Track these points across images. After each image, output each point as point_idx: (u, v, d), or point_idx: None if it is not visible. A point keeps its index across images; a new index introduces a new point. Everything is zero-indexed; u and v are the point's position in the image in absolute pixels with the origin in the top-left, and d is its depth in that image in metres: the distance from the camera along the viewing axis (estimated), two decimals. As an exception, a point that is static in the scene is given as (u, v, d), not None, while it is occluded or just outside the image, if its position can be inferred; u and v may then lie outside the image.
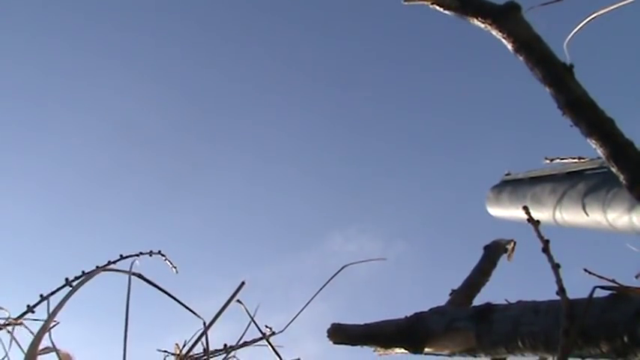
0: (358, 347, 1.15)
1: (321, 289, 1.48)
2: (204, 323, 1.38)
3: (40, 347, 1.19)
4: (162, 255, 1.70)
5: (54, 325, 1.31)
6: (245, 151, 9.31)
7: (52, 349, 1.29)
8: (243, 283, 1.44)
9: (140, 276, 1.40)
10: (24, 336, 1.36)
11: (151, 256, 1.65)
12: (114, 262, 1.52)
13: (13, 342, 1.35)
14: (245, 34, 8.59)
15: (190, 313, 1.40)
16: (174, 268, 1.75)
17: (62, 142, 8.58)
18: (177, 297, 1.42)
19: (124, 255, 1.55)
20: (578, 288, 0.86)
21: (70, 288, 1.43)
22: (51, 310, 1.28)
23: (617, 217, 1.64)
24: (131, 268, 1.38)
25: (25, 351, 1.19)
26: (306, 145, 9.20)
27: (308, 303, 1.48)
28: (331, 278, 1.50)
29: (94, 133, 8.79)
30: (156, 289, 1.42)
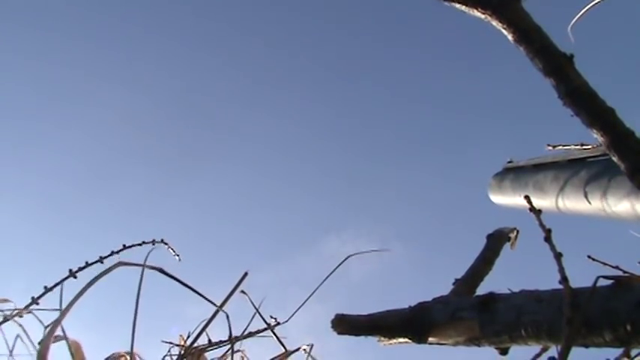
0: (359, 341, 1.15)
1: (326, 278, 1.49)
2: (224, 313, 1.39)
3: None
4: (165, 243, 1.71)
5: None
6: (242, 153, 9.29)
7: (62, 337, 1.30)
8: (246, 274, 1.45)
9: (161, 270, 1.40)
10: (31, 327, 1.37)
11: (154, 245, 1.65)
12: (117, 252, 1.53)
13: (22, 333, 1.37)
14: (247, 28, 8.56)
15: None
16: (178, 256, 1.75)
17: (61, 137, 8.59)
18: (191, 289, 1.42)
19: (127, 245, 1.56)
20: (581, 277, 0.86)
21: (74, 279, 1.44)
22: (64, 302, 1.29)
23: (619, 204, 1.64)
24: (145, 260, 1.38)
25: (39, 341, 1.20)
26: (304, 147, 9.19)
27: (313, 293, 1.48)
28: (336, 268, 1.50)
29: (94, 126, 8.78)
30: (171, 279, 1.42)
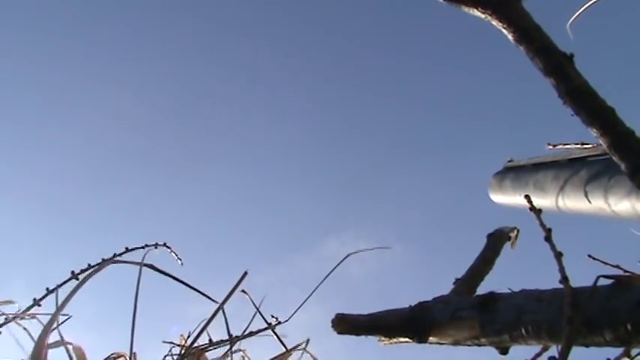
0: (359, 341, 1.15)
1: (326, 276, 1.49)
2: (222, 309, 1.39)
3: (51, 341, 1.21)
4: (168, 247, 1.70)
5: (67, 319, 1.32)
6: (242, 155, 9.27)
7: (62, 342, 1.30)
8: (246, 273, 1.45)
9: (152, 266, 1.41)
10: (33, 329, 1.37)
11: (156, 248, 1.64)
12: (119, 255, 1.53)
13: (22, 336, 1.37)
14: (248, 27, 8.55)
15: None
16: (180, 260, 1.75)
17: (61, 138, 8.59)
18: (187, 285, 1.42)
19: (130, 247, 1.56)
20: (581, 276, 0.86)
21: (77, 281, 1.44)
22: (59, 304, 1.29)
23: (619, 203, 1.64)
24: (143, 259, 1.38)
25: (33, 345, 1.20)
26: (304, 149, 9.16)
27: (313, 291, 1.48)
28: (337, 266, 1.50)
29: (94, 127, 8.79)
30: (167, 277, 1.42)
